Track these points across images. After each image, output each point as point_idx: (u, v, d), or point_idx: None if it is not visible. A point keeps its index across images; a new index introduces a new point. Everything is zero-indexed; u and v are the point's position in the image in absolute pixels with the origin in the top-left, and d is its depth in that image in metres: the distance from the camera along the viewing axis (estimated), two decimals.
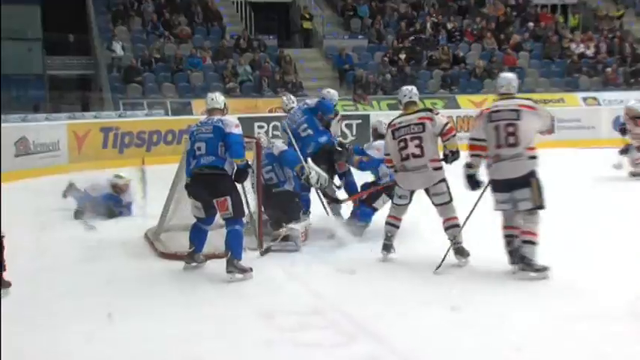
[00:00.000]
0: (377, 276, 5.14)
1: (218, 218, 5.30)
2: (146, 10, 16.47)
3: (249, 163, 5.28)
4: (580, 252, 5.38)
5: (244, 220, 5.24)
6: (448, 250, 5.18)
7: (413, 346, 3.71)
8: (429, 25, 17.91)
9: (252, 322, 4.11)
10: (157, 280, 5.10)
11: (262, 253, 5.59)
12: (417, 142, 5.28)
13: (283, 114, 7.03)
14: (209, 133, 5.05)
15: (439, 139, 5.36)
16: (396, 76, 15.96)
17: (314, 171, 6.03)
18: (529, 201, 4.79)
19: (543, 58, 17.73)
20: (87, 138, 11.96)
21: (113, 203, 7.40)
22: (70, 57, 17.16)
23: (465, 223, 5.21)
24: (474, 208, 5.12)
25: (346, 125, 12.99)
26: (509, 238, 4.99)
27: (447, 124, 5.34)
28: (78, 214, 7.29)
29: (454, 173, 5.39)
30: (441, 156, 5.36)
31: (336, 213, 6.59)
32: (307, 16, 17.84)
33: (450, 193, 5.31)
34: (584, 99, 16.01)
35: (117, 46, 14.91)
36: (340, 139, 6.76)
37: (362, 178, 6.61)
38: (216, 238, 5.45)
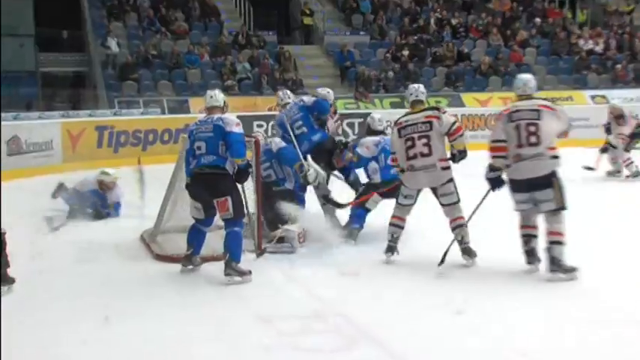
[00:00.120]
0: (379, 278, 5.16)
1: (217, 220, 5.32)
2: (142, 6, 16.49)
3: (250, 162, 5.30)
4: (589, 254, 5.35)
5: (244, 221, 5.26)
6: (451, 244, 5.23)
7: (416, 352, 3.73)
8: (432, 20, 17.94)
9: (251, 326, 4.12)
10: (153, 283, 5.11)
11: (258, 255, 5.60)
12: (424, 140, 5.31)
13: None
14: (209, 132, 5.06)
15: (446, 139, 5.39)
16: (399, 73, 15.99)
17: (312, 169, 6.05)
18: (552, 202, 4.86)
19: (551, 54, 17.74)
20: (81, 137, 11.98)
21: (100, 203, 7.41)
22: (64, 53, 17.17)
23: (469, 219, 5.27)
24: (477, 207, 5.19)
25: (348, 124, 13.00)
26: (526, 238, 5.07)
27: (454, 123, 5.39)
28: (72, 214, 7.32)
29: (462, 173, 5.43)
30: (449, 155, 5.40)
31: (329, 213, 6.62)
32: (308, 11, 17.86)
33: (457, 194, 5.35)
34: (593, 97, 16.01)
35: (112, 43, 14.93)
36: (341, 138, 6.78)
37: (362, 177, 6.62)
38: (214, 240, 5.47)
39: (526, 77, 5.29)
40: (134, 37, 15.78)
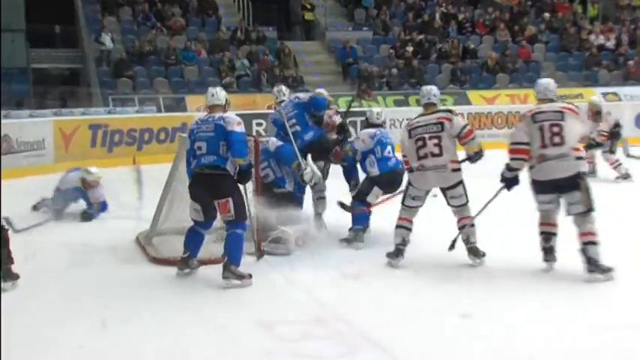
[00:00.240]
0: (382, 281, 5.17)
1: (215, 223, 5.33)
2: (137, 0, 16.51)
3: (252, 162, 5.31)
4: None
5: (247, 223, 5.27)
6: (460, 233, 5.36)
7: (420, 358, 3.74)
8: (438, 15, 17.96)
9: (250, 332, 4.13)
10: (150, 286, 5.13)
11: (258, 258, 5.62)
12: (435, 141, 5.39)
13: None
14: (210, 132, 5.07)
15: (455, 141, 5.47)
16: (403, 70, 16.00)
17: (310, 168, 6.07)
18: (580, 204, 4.96)
19: (560, 50, 17.75)
20: (74, 136, 11.97)
21: (84, 200, 7.48)
22: (56, 49, 17.20)
23: (475, 217, 5.36)
24: (485, 206, 5.31)
25: (350, 122, 12.97)
26: (546, 235, 5.18)
27: (465, 126, 5.48)
28: (57, 216, 7.42)
29: (469, 174, 5.48)
30: (465, 157, 5.50)
31: (318, 213, 6.65)
32: (309, 6, 17.89)
33: (466, 195, 5.44)
34: (604, 94, 15.98)
35: (106, 38, 14.95)
36: (340, 119, 6.78)
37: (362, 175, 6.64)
38: (211, 242, 5.49)
39: (547, 81, 5.48)
40: (129, 33, 15.81)
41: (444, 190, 5.46)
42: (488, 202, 5.37)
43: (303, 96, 6.65)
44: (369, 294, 4.88)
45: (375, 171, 6.26)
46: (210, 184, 5.04)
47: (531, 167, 5.13)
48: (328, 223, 6.50)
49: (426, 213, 5.60)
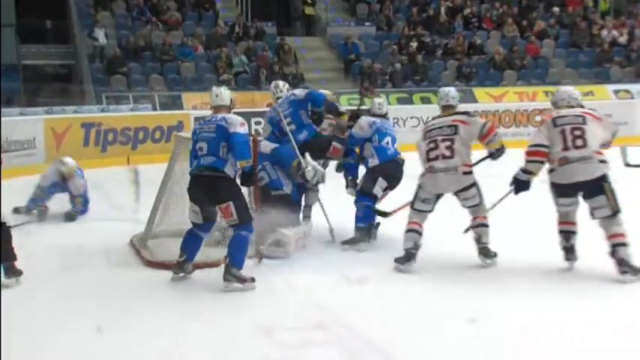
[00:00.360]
0: (386, 285, 5.17)
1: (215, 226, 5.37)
2: None
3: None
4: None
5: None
6: (470, 227, 5.46)
7: None
8: (443, 10, 17.95)
9: (250, 337, 4.14)
10: (147, 291, 5.14)
11: (259, 260, 5.64)
12: (447, 143, 5.45)
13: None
14: (212, 133, 5.09)
15: (470, 144, 5.53)
16: (407, 67, 16.00)
17: (311, 166, 6.08)
18: (606, 208, 5.04)
19: (570, 46, 17.74)
20: (66, 135, 11.99)
21: (69, 198, 7.55)
22: (48, 45, 17.19)
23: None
24: (493, 206, 5.41)
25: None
26: (566, 234, 5.30)
27: (485, 124, 5.55)
28: (40, 217, 7.50)
29: (481, 174, 5.52)
30: (486, 154, 5.57)
31: (308, 205, 6.66)
32: (309, 0, 17.90)
33: (480, 195, 5.50)
34: (616, 92, 16.01)
35: (99, 34, 14.95)
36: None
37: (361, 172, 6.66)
38: (207, 245, 5.50)
39: (570, 89, 5.59)
40: (123, 28, 15.81)
41: (456, 194, 5.50)
42: (495, 204, 5.43)
43: (299, 92, 6.58)
44: (371, 298, 4.88)
45: (375, 161, 6.26)
46: (210, 187, 5.05)
47: (551, 170, 5.20)
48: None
49: (431, 215, 5.62)
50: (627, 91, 15.97)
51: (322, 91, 7.07)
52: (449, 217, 5.74)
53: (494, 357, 3.83)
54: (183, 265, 5.28)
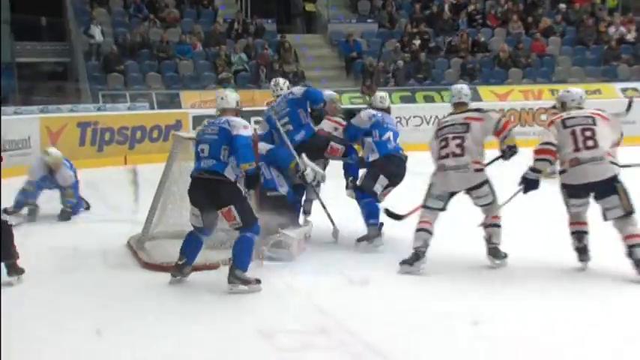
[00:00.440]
0: (389, 287, 5.18)
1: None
2: None
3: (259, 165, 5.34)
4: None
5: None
6: (483, 223, 5.51)
7: None
8: (447, 7, 17.93)
9: (250, 341, 4.15)
10: (144, 292, 5.15)
11: (261, 261, 5.64)
12: (458, 141, 5.47)
13: None
14: (214, 135, 5.11)
15: (483, 142, 5.54)
16: (410, 64, 16.00)
17: (309, 167, 6.08)
18: (619, 208, 5.09)
19: (577, 44, 17.72)
20: (62, 134, 11.99)
21: (59, 193, 7.56)
22: (43, 43, 17.21)
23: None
24: (504, 204, 5.45)
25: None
26: (578, 235, 5.36)
27: (500, 119, 5.60)
28: (31, 217, 7.52)
29: (489, 174, 5.53)
30: (498, 154, 5.60)
31: (307, 211, 6.70)
32: None
33: (493, 193, 5.53)
34: (624, 90, 15.98)
35: (95, 31, 14.95)
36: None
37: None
38: (207, 248, 5.50)
39: (581, 91, 5.66)
40: (120, 25, 15.81)
41: (468, 192, 5.52)
42: (503, 204, 5.47)
43: (297, 91, 6.50)
44: (374, 300, 4.89)
45: (375, 155, 6.26)
46: (210, 190, 5.06)
47: (562, 172, 5.25)
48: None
49: (443, 216, 5.63)
50: (635, 89, 15.90)
51: (328, 92, 7.07)
52: (458, 218, 5.74)
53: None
54: (182, 268, 5.28)
